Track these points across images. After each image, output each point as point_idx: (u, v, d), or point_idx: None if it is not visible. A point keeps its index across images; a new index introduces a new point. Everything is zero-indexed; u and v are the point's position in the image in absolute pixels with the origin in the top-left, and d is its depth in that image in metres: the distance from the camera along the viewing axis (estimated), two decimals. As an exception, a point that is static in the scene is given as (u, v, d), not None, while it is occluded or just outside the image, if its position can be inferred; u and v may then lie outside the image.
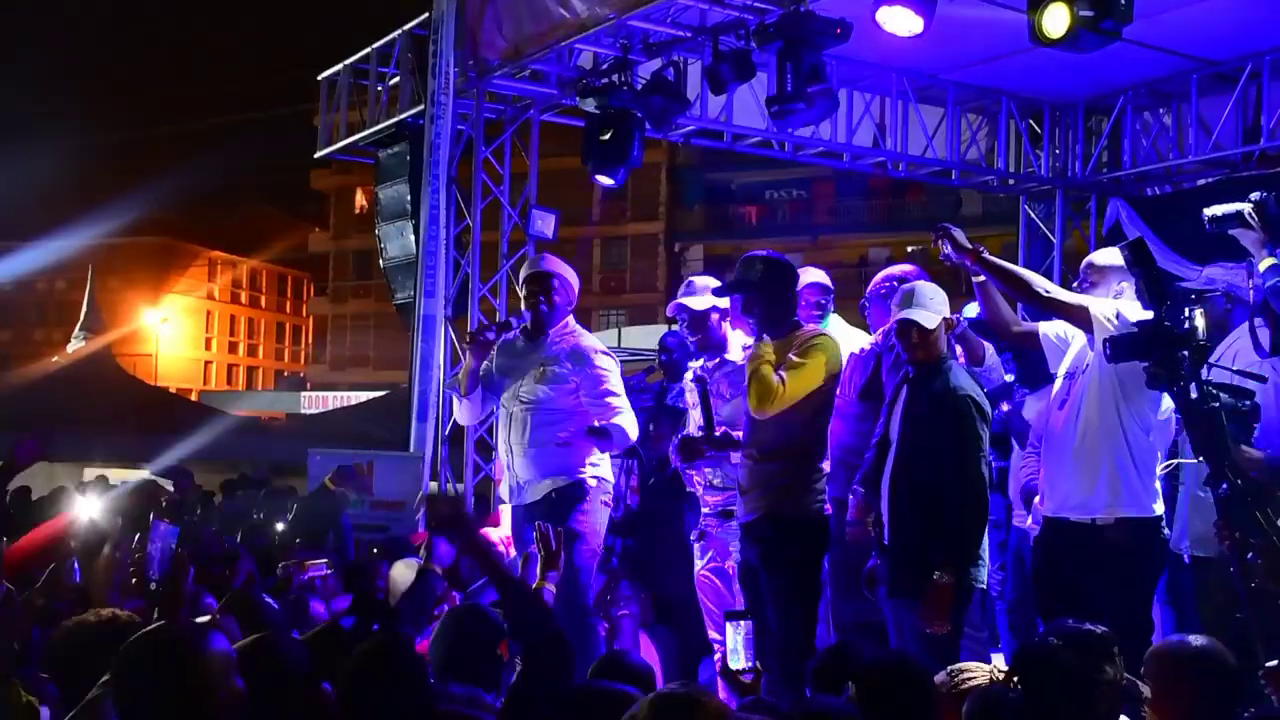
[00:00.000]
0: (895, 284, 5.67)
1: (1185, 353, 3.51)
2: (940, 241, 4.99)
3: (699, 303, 5.78)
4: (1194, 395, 3.54)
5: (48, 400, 16.60)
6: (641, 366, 9.62)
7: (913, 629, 4.71)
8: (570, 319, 6.05)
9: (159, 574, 3.69)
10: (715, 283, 5.82)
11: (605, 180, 8.99)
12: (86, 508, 4.72)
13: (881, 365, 5.49)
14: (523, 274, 6.16)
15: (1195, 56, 9.50)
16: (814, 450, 5.23)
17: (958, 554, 4.71)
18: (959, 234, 4.94)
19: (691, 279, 6.02)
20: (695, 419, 5.86)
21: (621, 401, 5.84)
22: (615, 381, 5.88)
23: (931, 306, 4.87)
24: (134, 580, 3.74)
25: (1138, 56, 9.08)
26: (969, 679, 3.51)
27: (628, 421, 5.79)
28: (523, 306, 6.05)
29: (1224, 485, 3.27)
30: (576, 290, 6.10)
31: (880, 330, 5.67)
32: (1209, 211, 4.75)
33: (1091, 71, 9.51)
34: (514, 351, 6.04)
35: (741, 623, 3.87)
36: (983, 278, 5.02)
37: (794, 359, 5.13)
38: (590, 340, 6.04)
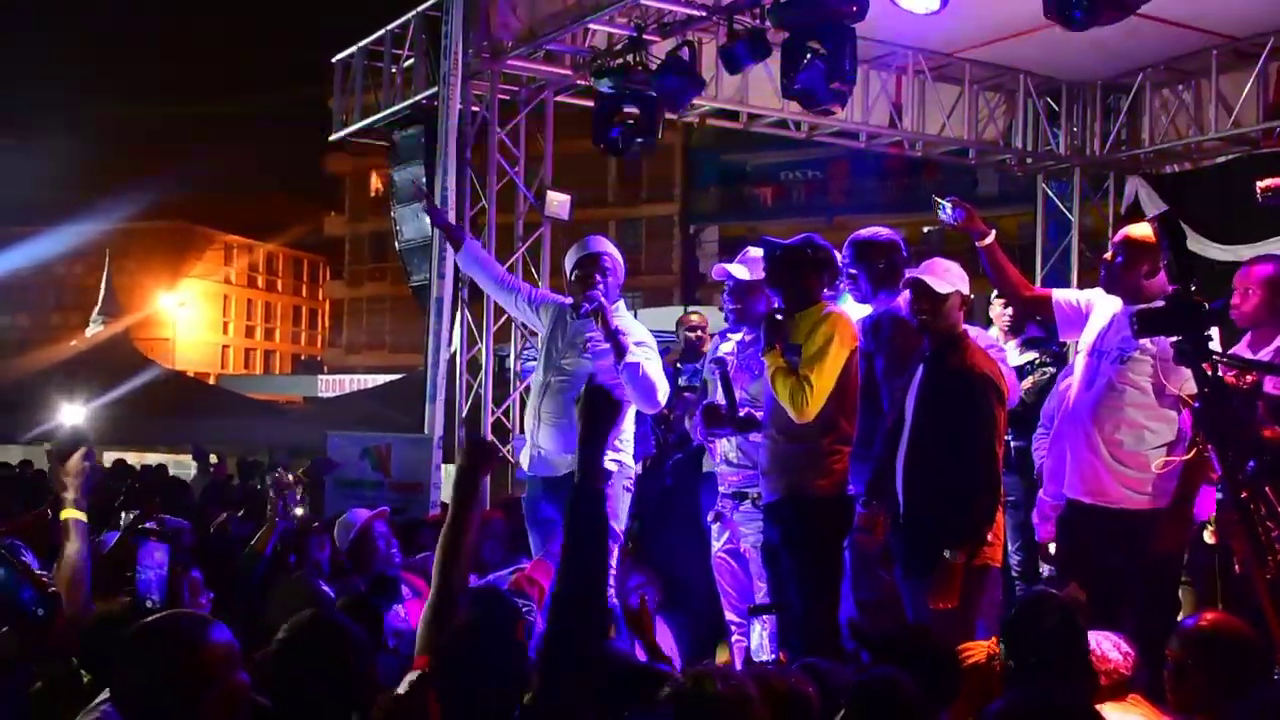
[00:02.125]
0: (865, 246, 5.53)
1: (1212, 330, 3.48)
2: (942, 208, 4.98)
3: (745, 273, 5.72)
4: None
5: (66, 383, 16.71)
6: (657, 348, 9.60)
7: (927, 607, 4.70)
8: (621, 303, 6.02)
9: (160, 598, 3.58)
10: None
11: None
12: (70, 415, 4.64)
13: (875, 368, 5.37)
14: (571, 258, 6.06)
15: (1215, 32, 9.41)
16: (836, 430, 5.16)
17: (968, 534, 4.69)
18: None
19: (748, 248, 5.95)
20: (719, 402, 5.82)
21: (650, 353, 5.74)
22: (651, 347, 5.79)
23: (946, 276, 4.84)
24: (126, 599, 3.63)
25: (1157, 33, 9.00)
26: (968, 656, 3.53)
27: (658, 375, 5.69)
28: (572, 290, 5.94)
29: (1251, 462, 3.24)
30: (623, 270, 6.07)
31: (862, 323, 5.46)
32: (1262, 184, 4.65)
33: (1110, 49, 9.42)
34: (568, 329, 6.00)
35: (766, 618, 3.85)
36: (987, 241, 4.99)
37: (809, 354, 5.06)
38: (632, 323, 5.94)
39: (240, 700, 2.61)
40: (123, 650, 2.61)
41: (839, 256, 5.60)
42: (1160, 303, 3.71)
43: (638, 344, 5.73)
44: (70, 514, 3.52)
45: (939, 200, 5.11)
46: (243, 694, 2.62)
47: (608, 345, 5.70)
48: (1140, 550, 4.59)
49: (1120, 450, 4.64)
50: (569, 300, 5.98)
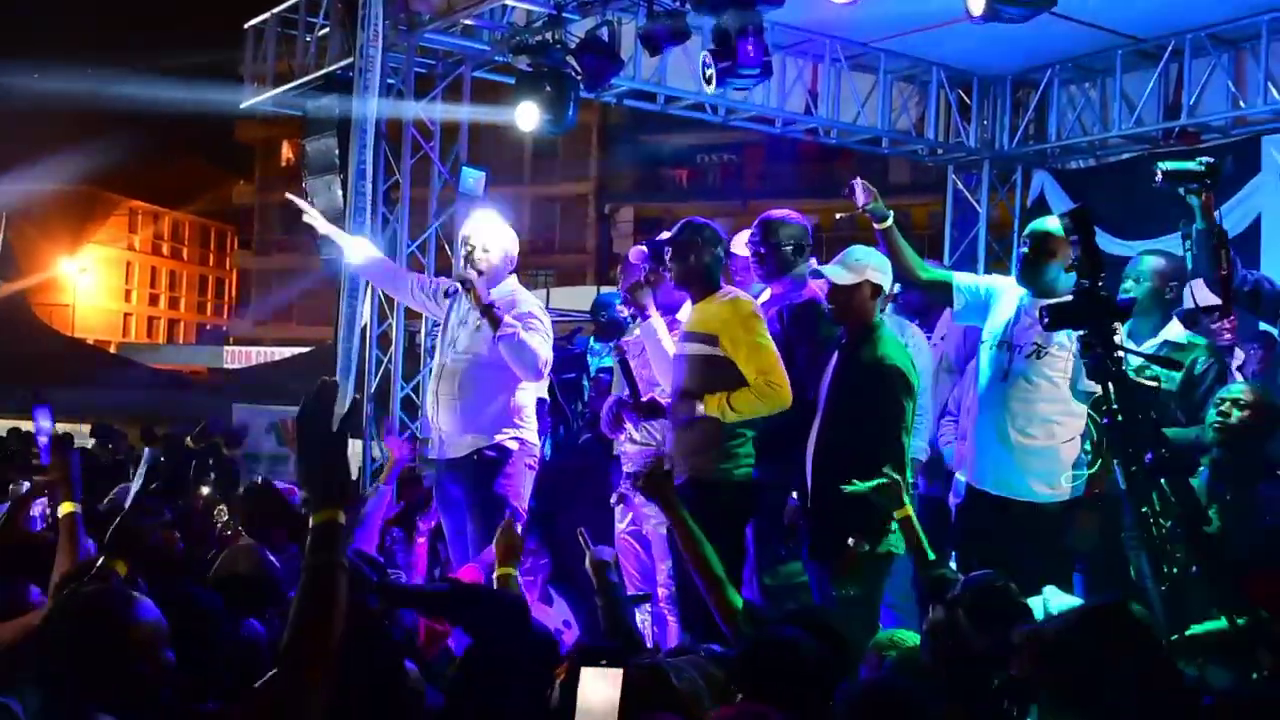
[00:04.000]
0: (776, 227, 5.54)
1: (1118, 324, 3.57)
2: (852, 193, 5.02)
3: None
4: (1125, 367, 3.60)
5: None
6: (569, 327, 9.61)
7: (832, 592, 4.77)
8: (513, 279, 6.01)
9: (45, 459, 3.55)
10: None
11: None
12: None
13: (796, 358, 5.36)
14: (461, 232, 6.13)
15: (1121, 33, 9.64)
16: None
17: (873, 522, 4.72)
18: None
19: (665, 233, 5.96)
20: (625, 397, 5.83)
21: (538, 327, 5.73)
22: (540, 319, 5.80)
23: (854, 267, 4.87)
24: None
25: (1066, 31, 9.19)
26: (891, 650, 3.58)
27: (538, 344, 5.68)
28: (462, 265, 5.97)
29: (1149, 455, 3.33)
30: (510, 245, 6.06)
31: (779, 307, 5.46)
32: (1164, 166, 4.71)
33: (1020, 45, 9.61)
34: (460, 310, 5.98)
35: (647, 606, 3.91)
36: (887, 224, 5.04)
37: (747, 347, 5.03)
38: (526, 296, 6.01)
39: (166, 681, 2.56)
40: (47, 624, 2.55)
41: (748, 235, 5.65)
42: (1068, 297, 3.78)
43: (524, 315, 5.72)
44: None
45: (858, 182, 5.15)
46: (168, 675, 2.56)
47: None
48: (1049, 542, 4.69)
49: (1031, 443, 4.73)
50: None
